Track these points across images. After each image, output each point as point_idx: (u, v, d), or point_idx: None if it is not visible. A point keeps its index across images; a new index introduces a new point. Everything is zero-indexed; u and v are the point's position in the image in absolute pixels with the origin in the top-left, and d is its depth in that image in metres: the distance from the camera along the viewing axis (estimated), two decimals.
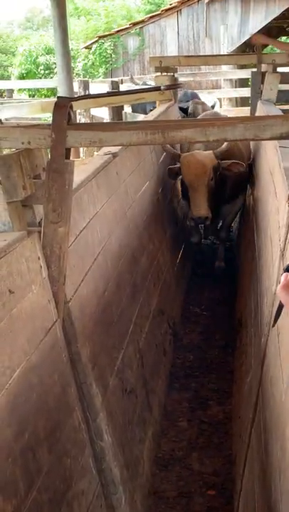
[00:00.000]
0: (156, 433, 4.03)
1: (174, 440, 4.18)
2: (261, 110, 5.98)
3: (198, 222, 5.56)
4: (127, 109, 9.56)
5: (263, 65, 7.05)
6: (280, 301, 1.22)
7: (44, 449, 2.27)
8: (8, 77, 22.46)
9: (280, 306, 1.25)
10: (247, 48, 15.46)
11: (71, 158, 2.58)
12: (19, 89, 18.58)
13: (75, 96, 3.19)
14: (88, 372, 2.85)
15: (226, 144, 5.18)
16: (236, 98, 14.53)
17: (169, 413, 4.42)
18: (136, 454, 3.53)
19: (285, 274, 1.21)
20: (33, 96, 18.57)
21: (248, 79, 9.86)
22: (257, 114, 6.20)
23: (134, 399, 3.63)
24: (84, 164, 3.63)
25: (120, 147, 3.93)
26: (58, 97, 2.60)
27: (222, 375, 4.35)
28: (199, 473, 3.87)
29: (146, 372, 4.00)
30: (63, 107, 2.46)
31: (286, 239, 2.60)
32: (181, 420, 4.35)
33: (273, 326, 2.27)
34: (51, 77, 18.90)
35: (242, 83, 15.63)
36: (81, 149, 8.84)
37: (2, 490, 1.91)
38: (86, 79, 13.51)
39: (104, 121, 8.32)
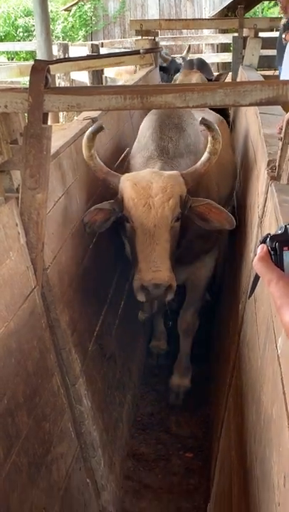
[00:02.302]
0: (135, 397, 4.09)
1: (153, 404, 4.25)
2: (242, 75, 5.92)
3: (152, 296, 3.07)
4: (108, 73, 9.41)
5: (244, 30, 6.97)
6: (256, 273, 1.22)
7: (23, 413, 2.30)
8: None
9: (256, 278, 1.26)
10: (229, 12, 15.24)
11: (50, 123, 2.55)
12: None
13: (54, 59, 3.15)
14: (67, 338, 2.86)
15: (201, 162, 3.23)
16: (218, 63, 14.38)
17: (148, 377, 4.48)
18: (115, 417, 3.58)
19: (261, 245, 1.21)
20: (12, 59, 18.17)
21: (230, 44, 9.74)
22: (238, 79, 6.15)
23: (114, 364, 3.66)
24: (63, 129, 3.57)
25: (100, 112, 3.88)
26: (35, 60, 2.55)
27: (198, 341, 4.39)
28: (177, 436, 3.94)
29: (125, 337, 4.03)
30: (40, 70, 2.42)
31: (264, 206, 2.61)
32: (160, 384, 4.41)
33: (249, 297, 2.30)
34: (30, 40, 18.49)
35: (224, 48, 15.46)
36: (60, 114, 8.71)
37: None
38: (65, 42, 13.24)
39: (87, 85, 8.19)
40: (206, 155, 3.22)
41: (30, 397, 2.38)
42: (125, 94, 2.36)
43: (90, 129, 3.13)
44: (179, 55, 7.62)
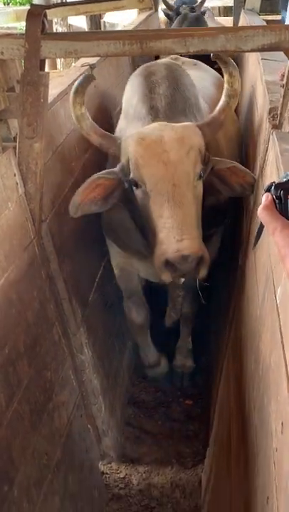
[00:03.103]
0: (135, 345, 4.13)
1: None
2: (244, 20, 5.76)
3: (180, 272, 2.56)
4: (107, 18, 9.15)
5: None
6: (261, 222, 1.20)
7: (24, 362, 2.32)
8: None
9: (261, 227, 1.24)
10: None
11: (47, 70, 2.50)
12: None
13: (51, 3, 3.04)
14: (68, 288, 2.87)
15: (219, 108, 2.76)
16: (219, 7, 14.00)
17: None
18: (115, 365, 3.64)
19: (265, 194, 1.19)
20: (8, 4, 17.66)
21: None
22: (240, 24, 5.98)
23: (114, 312, 3.68)
24: (60, 76, 3.50)
25: (99, 58, 3.79)
26: (32, 5, 2.48)
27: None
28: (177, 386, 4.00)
29: None
30: (37, 15, 2.35)
31: (265, 155, 2.58)
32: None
33: (254, 247, 2.25)
34: None
35: None
36: (58, 61, 8.52)
37: None
38: None
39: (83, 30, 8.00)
40: (223, 99, 2.73)
41: (31, 347, 2.41)
42: (124, 39, 2.30)
43: (77, 81, 2.62)
44: (187, 5, 6.62)
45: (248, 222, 2.87)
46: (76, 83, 2.62)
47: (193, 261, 2.47)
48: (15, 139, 2.50)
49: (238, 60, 5.50)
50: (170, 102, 2.88)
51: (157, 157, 2.57)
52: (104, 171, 2.76)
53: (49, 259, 2.72)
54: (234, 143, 3.65)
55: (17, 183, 2.47)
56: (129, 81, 3.18)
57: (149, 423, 3.70)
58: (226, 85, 2.70)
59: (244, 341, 2.37)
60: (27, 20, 2.35)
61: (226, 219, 3.46)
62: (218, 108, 2.75)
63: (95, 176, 2.72)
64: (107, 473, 3.29)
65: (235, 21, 6.38)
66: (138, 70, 3.15)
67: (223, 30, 2.41)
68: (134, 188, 2.65)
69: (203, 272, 2.55)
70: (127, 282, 3.57)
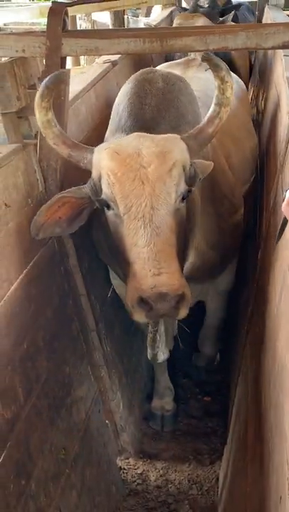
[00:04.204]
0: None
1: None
2: (268, 16, 5.72)
3: (156, 313, 2.09)
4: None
5: None
6: (284, 217, 1.21)
7: (43, 357, 2.35)
8: None
9: (284, 222, 1.24)
10: None
11: (70, 66, 2.51)
12: None
13: (72, 1, 3.04)
14: (86, 284, 2.89)
15: (208, 118, 2.29)
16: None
17: None
18: (134, 361, 3.65)
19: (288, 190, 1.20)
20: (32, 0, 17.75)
21: None
22: (263, 20, 5.94)
23: None
24: (82, 73, 3.52)
25: (120, 55, 3.80)
26: (53, 2, 2.49)
27: None
28: (196, 380, 4.01)
29: None
30: (58, 13, 2.37)
31: (285, 153, 2.56)
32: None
33: (277, 242, 2.19)
34: None
35: None
36: (82, 57, 8.54)
37: (1, 396, 1.99)
38: None
39: (108, 26, 7.99)
40: (213, 108, 2.26)
41: (49, 342, 2.43)
42: (144, 37, 2.31)
43: (44, 82, 2.18)
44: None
45: (268, 220, 2.86)
46: (43, 84, 2.17)
47: (172, 300, 2.04)
48: (36, 136, 2.52)
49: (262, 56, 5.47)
50: (161, 117, 2.58)
51: (133, 174, 2.16)
52: (71, 189, 2.36)
53: (68, 255, 2.74)
54: (248, 163, 3.39)
55: (37, 180, 2.49)
56: (124, 85, 2.83)
57: None
58: (216, 92, 2.24)
59: (262, 339, 2.36)
60: (48, 17, 2.37)
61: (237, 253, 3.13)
62: (206, 118, 2.30)
63: (59, 194, 2.36)
64: (124, 469, 3.31)
65: (259, 17, 6.35)
66: (134, 75, 2.82)
67: (244, 27, 2.40)
68: (106, 209, 2.28)
69: (183, 313, 2.13)
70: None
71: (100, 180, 2.25)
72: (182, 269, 2.21)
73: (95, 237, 2.83)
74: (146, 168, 2.16)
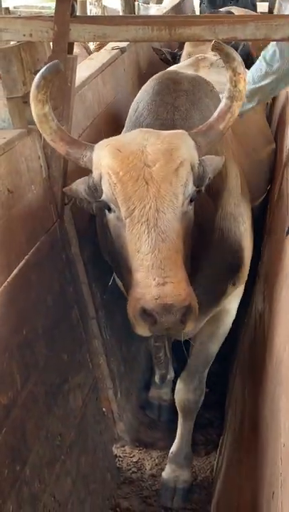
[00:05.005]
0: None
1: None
2: (280, 8, 5.66)
3: (161, 327, 1.93)
4: None
5: None
6: None
7: (42, 344, 2.35)
8: None
9: None
10: None
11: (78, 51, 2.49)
12: None
13: None
14: (87, 272, 2.89)
15: (218, 113, 2.12)
16: None
17: None
18: (133, 351, 3.65)
19: None
20: None
21: None
22: (275, 12, 5.87)
23: None
24: (90, 59, 3.49)
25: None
26: None
27: None
28: None
29: None
30: None
31: None
32: None
33: (287, 235, 2.16)
34: None
35: None
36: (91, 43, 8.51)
37: None
38: None
39: (119, 13, 7.95)
40: (224, 101, 2.09)
41: (49, 329, 2.43)
42: (152, 25, 2.28)
43: (40, 73, 2.01)
44: None
45: (272, 213, 2.85)
46: (39, 74, 2.01)
47: (178, 312, 1.89)
48: None
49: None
50: (183, 118, 2.45)
51: (136, 173, 1.99)
52: (77, 181, 2.20)
53: (70, 243, 2.74)
54: (262, 172, 3.22)
55: (41, 166, 2.48)
56: (146, 82, 2.70)
57: None
58: (228, 85, 2.06)
59: (260, 332, 2.36)
60: (56, 2, 2.35)
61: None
62: (216, 113, 2.13)
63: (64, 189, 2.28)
64: (120, 457, 3.32)
65: (271, 7, 6.29)
66: (158, 74, 2.71)
67: (254, 17, 2.38)
68: (107, 211, 2.12)
69: (190, 326, 1.97)
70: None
71: (100, 180, 2.08)
72: (189, 278, 2.01)
73: (98, 234, 2.66)
74: (151, 167, 2.00)
